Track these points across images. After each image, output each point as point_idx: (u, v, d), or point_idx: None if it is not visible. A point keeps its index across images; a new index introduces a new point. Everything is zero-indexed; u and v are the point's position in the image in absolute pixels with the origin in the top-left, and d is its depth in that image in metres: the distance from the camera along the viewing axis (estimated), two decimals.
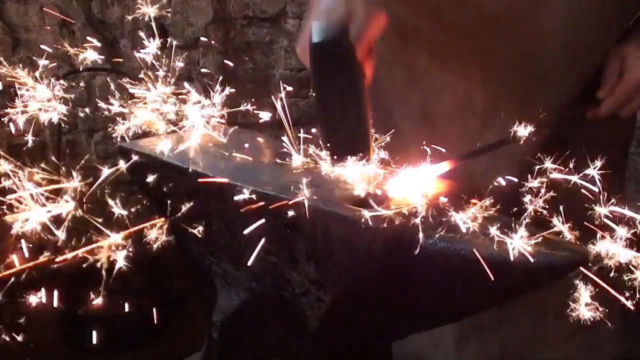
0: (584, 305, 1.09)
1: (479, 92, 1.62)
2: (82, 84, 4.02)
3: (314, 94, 1.31)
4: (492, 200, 1.17)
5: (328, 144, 1.32)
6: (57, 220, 1.30)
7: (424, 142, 1.36)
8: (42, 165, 1.34)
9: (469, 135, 1.62)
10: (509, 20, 1.53)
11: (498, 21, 1.53)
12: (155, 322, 3.84)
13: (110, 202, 1.26)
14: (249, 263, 1.27)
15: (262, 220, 1.23)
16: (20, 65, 1.60)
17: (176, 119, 1.46)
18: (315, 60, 1.27)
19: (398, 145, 1.62)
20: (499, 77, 1.59)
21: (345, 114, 1.29)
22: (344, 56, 1.26)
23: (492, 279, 1.07)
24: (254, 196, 1.22)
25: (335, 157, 1.30)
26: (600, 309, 1.06)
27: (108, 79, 4.04)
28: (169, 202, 1.39)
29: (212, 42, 3.98)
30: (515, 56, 1.56)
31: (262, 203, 1.22)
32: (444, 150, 1.35)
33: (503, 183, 1.28)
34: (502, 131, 1.51)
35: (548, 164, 1.24)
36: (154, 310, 3.81)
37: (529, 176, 1.23)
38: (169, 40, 1.63)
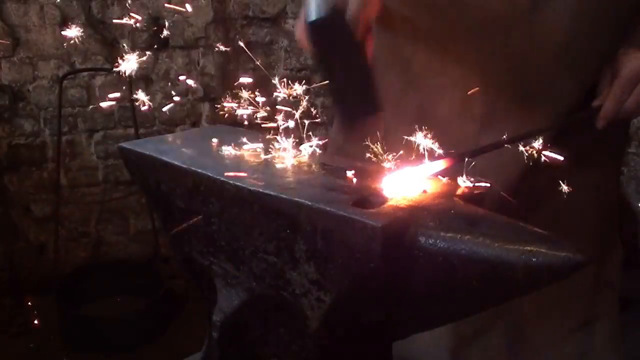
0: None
1: (478, 95, 1.59)
2: (82, 84, 4.02)
3: (320, 69, 1.37)
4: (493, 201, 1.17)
5: (339, 113, 1.41)
6: None
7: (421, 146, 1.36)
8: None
9: (466, 139, 1.61)
10: (509, 22, 1.52)
11: (498, 23, 1.53)
12: (156, 322, 3.85)
13: None
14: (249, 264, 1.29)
15: (262, 220, 1.24)
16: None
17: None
18: (312, 38, 1.34)
19: (394, 148, 1.63)
20: (498, 81, 1.59)
21: (350, 82, 1.36)
22: (340, 35, 1.33)
23: (493, 279, 1.08)
24: (254, 196, 1.23)
25: (347, 124, 1.40)
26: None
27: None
28: (168, 202, 1.40)
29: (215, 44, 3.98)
30: (515, 59, 1.56)
31: (262, 203, 1.22)
32: (441, 152, 1.36)
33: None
34: (501, 134, 1.52)
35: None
36: (154, 310, 3.82)
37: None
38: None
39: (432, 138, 1.49)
